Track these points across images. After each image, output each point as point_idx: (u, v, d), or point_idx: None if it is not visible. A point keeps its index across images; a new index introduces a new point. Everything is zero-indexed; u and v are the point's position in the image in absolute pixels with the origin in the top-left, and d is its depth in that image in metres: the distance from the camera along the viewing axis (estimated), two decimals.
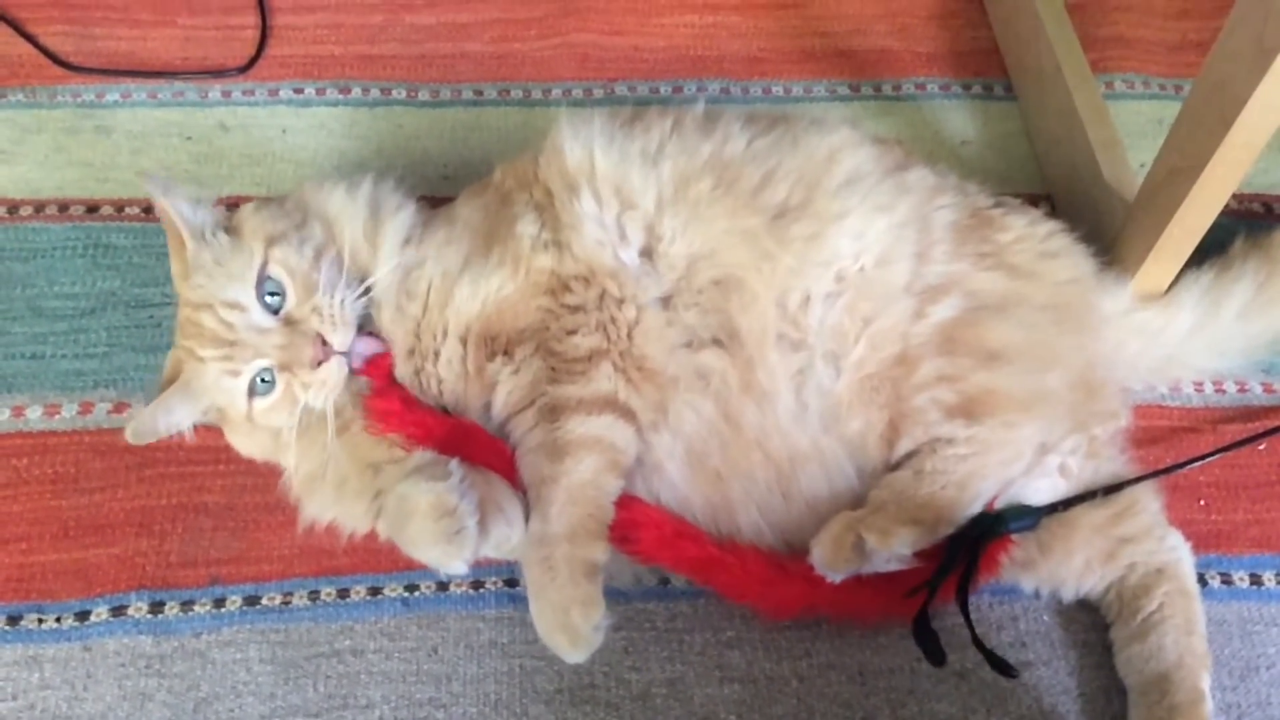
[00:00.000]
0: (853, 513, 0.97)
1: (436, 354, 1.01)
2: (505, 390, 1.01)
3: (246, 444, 1.04)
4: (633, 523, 0.99)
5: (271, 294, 0.97)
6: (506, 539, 0.96)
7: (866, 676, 1.01)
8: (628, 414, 0.99)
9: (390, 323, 1.02)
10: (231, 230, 1.02)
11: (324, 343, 0.96)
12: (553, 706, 0.99)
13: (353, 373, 0.99)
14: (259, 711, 0.98)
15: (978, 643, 0.95)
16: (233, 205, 1.32)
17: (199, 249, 0.99)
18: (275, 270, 0.97)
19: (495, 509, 0.96)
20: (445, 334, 1.01)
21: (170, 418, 1.00)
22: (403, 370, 1.02)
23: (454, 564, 0.91)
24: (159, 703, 0.99)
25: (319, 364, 0.96)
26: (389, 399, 1.00)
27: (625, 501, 0.99)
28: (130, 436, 0.98)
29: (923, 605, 0.97)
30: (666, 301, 1.03)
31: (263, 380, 0.97)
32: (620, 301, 1.01)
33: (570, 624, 0.92)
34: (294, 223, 1.02)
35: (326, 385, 0.97)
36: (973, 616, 0.96)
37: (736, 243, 1.02)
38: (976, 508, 0.98)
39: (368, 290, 1.00)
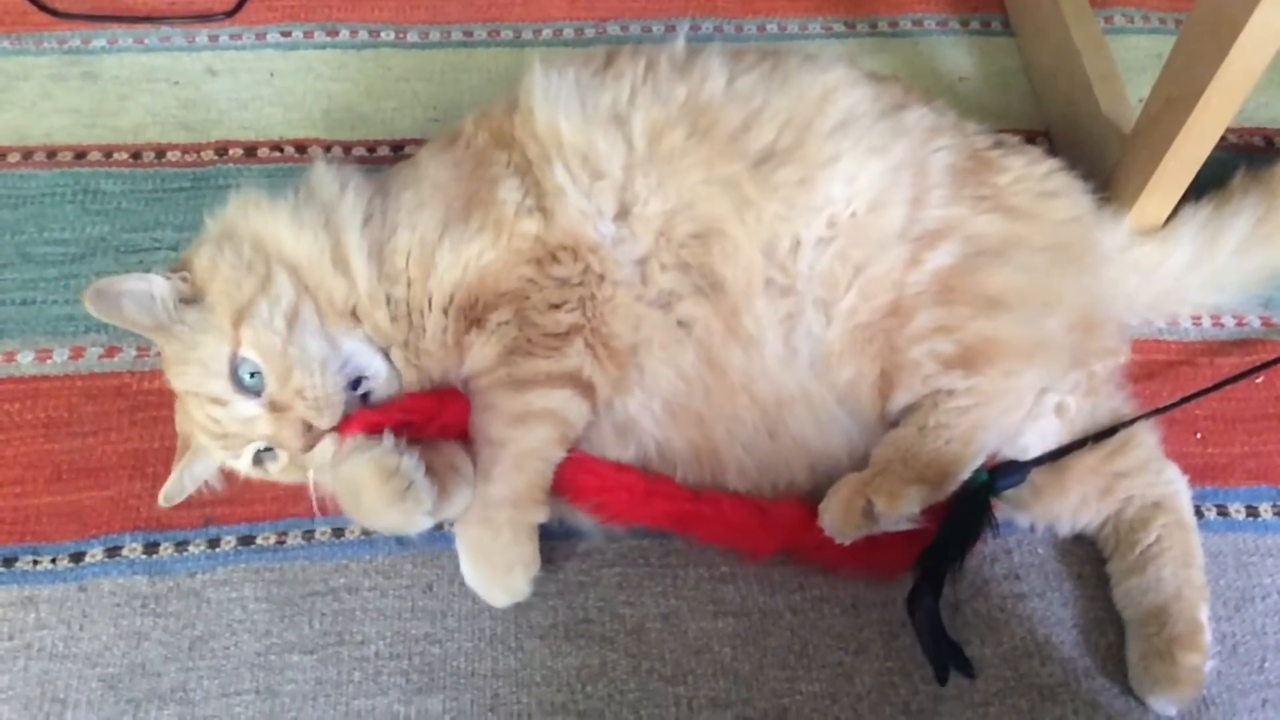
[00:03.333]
0: (859, 475, 0.96)
1: (424, 330, 1.00)
2: (474, 357, 0.99)
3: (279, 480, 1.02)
4: (602, 489, 0.99)
5: (252, 374, 0.94)
6: (469, 499, 0.96)
7: (860, 609, 1.01)
8: (588, 389, 0.98)
9: (379, 326, 0.99)
10: (196, 290, 0.97)
11: (310, 428, 0.93)
12: (547, 641, 0.99)
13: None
14: (254, 648, 0.99)
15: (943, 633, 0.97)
16: (221, 149, 1.32)
17: (166, 342, 0.97)
18: (248, 353, 0.93)
19: (453, 473, 0.96)
20: (430, 307, 0.99)
21: (193, 478, 1.02)
22: (398, 359, 1.00)
23: (415, 520, 0.91)
24: (155, 641, 0.99)
25: (310, 448, 0.94)
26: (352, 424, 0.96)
27: (593, 468, 0.99)
28: (163, 500, 1.00)
29: (935, 611, 0.97)
30: (643, 263, 1.01)
31: (266, 449, 0.97)
32: (600, 278, 0.99)
33: (511, 582, 0.95)
34: (259, 280, 0.95)
35: (326, 460, 0.95)
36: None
37: (716, 193, 1.00)
38: (981, 459, 0.97)
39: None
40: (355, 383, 0.97)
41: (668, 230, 1.00)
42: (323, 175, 1.02)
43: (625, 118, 1.02)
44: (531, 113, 1.03)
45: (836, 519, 0.94)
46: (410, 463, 0.90)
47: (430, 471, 0.92)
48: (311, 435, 0.93)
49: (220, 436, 0.96)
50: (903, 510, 0.93)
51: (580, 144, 1.01)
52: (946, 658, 0.96)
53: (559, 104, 1.02)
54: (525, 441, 0.95)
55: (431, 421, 0.98)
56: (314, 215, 0.99)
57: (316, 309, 0.97)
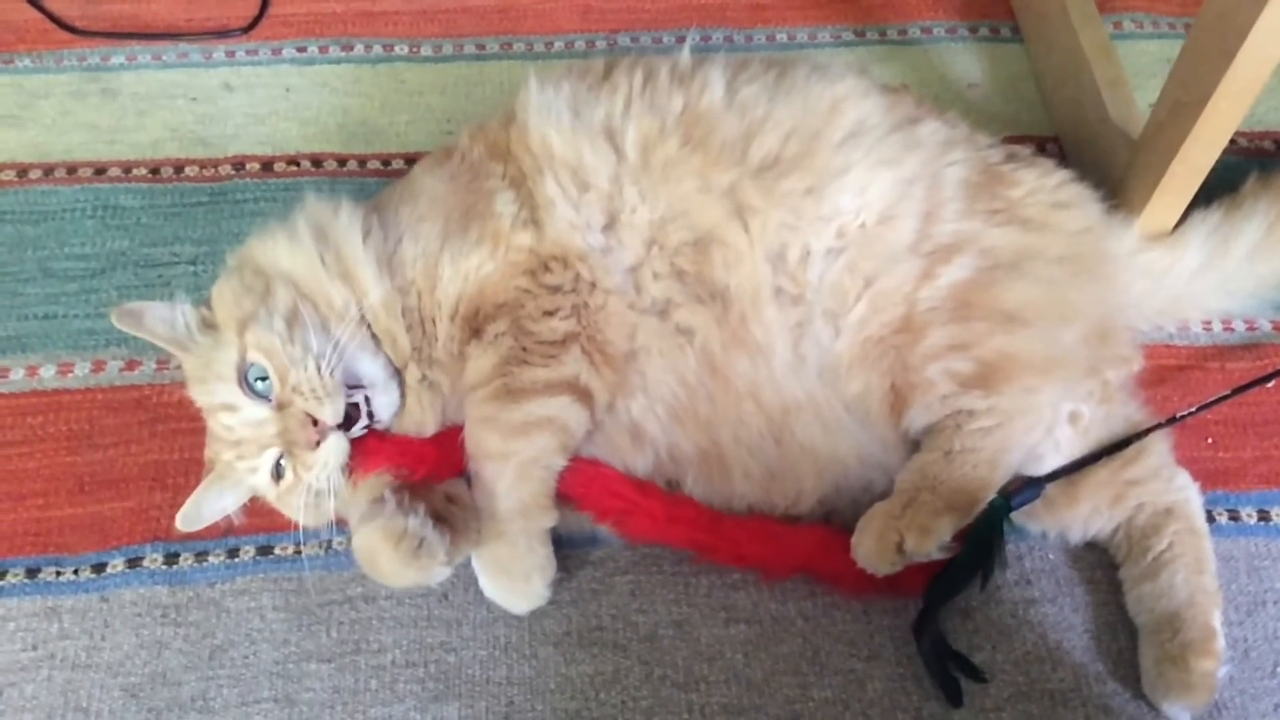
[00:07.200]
0: (888, 505, 0.95)
1: (436, 338, 1.01)
2: (472, 369, 1.00)
3: (293, 516, 0.99)
4: (624, 510, 1.00)
5: (261, 378, 0.95)
6: (477, 524, 0.98)
7: (871, 615, 1.02)
8: (585, 396, 0.98)
9: (398, 342, 1.00)
10: (209, 322, 1.01)
11: (315, 422, 0.94)
12: (561, 648, 1.00)
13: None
14: (273, 657, 1.00)
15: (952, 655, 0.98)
16: (238, 164, 1.34)
17: (186, 359, 1.00)
18: (255, 356, 0.95)
19: (453, 504, 0.98)
20: (440, 315, 1.00)
21: (213, 506, 1.01)
22: (413, 376, 1.01)
23: (433, 573, 0.93)
24: (175, 650, 1.01)
25: (317, 444, 0.94)
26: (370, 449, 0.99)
27: (617, 489, 1.00)
28: (179, 522, 0.99)
29: (940, 637, 0.98)
30: (635, 272, 1.01)
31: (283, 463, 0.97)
32: (592, 286, 1.00)
33: (530, 589, 0.98)
34: (259, 295, 0.98)
35: (328, 466, 0.95)
36: None
37: (710, 201, 1.00)
38: (1006, 478, 0.98)
39: (364, 321, 0.99)
40: (352, 389, 0.97)
41: (660, 238, 1.01)
42: (312, 204, 1.04)
43: (618, 130, 1.02)
44: (526, 127, 1.04)
45: (871, 554, 0.94)
46: (417, 521, 0.91)
47: (435, 516, 0.94)
48: (317, 430, 0.94)
49: (235, 444, 0.97)
50: (934, 545, 0.92)
51: (570, 157, 1.02)
52: (956, 681, 0.97)
53: (551, 118, 1.03)
54: (527, 451, 0.96)
55: (421, 465, 0.99)
56: (307, 232, 1.01)
57: (316, 314, 0.98)
